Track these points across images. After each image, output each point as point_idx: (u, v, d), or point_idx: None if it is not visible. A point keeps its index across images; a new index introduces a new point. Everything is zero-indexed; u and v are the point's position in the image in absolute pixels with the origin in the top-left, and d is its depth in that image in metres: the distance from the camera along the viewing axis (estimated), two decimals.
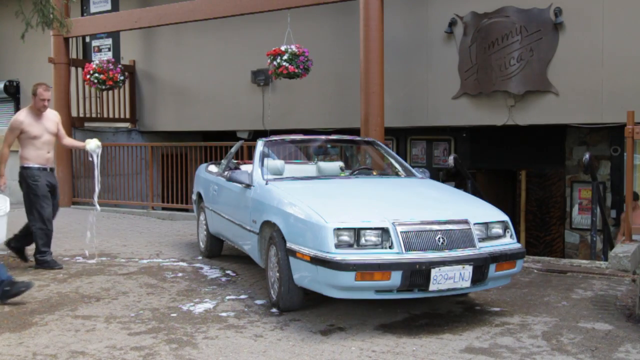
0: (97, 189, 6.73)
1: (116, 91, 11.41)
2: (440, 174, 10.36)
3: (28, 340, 4.15)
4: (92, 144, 6.48)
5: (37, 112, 6.21)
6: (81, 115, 11.49)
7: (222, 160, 6.97)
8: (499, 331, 4.29)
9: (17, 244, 6.53)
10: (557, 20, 7.77)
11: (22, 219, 6.56)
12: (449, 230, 4.33)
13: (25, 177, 6.22)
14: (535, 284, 5.59)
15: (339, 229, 4.21)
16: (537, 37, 7.89)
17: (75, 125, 11.14)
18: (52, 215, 6.34)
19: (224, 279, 5.82)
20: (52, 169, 6.35)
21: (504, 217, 4.69)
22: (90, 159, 6.61)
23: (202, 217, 6.93)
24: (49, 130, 6.26)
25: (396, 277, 4.10)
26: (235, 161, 6.98)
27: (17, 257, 6.58)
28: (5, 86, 13.78)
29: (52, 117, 6.37)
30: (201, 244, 6.95)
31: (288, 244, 4.51)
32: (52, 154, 6.36)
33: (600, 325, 4.41)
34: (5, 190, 6.27)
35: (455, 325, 4.42)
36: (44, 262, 6.25)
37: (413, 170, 5.90)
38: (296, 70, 8.30)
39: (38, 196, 6.20)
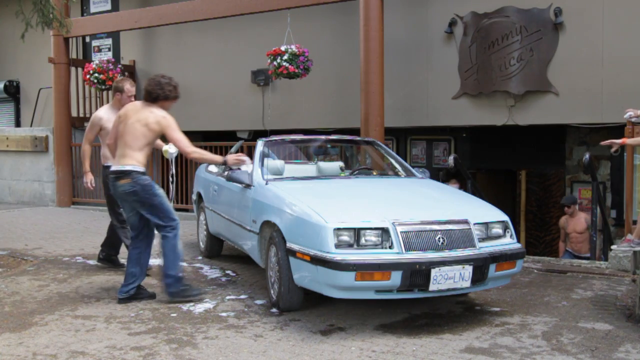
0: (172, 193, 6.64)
1: None
2: (440, 174, 10.35)
3: (28, 340, 4.15)
4: (169, 151, 6.22)
5: (120, 108, 5.89)
6: (81, 115, 11.49)
7: None
8: (499, 331, 4.29)
9: (102, 254, 6.32)
10: (557, 20, 7.77)
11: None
12: (449, 230, 4.33)
13: (105, 176, 5.93)
14: (535, 284, 5.59)
15: (339, 229, 4.21)
16: (537, 37, 7.89)
17: (75, 125, 11.14)
18: None
19: (224, 279, 5.82)
20: None
21: (504, 217, 4.69)
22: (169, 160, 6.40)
23: (202, 217, 6.93)
24: None
25: (396, 277, 4.10)
26: None
27: (112, 266, 6.30)
28: (5, 86, 13.78)
29: None
30: (201, 244, 6.95)
31: (288, 244, 4.51)
32: None
33: (600, 325, 4.41)
34: (94, 188, 6.11)
35: (455, 325, 4.42)
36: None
37: (413, 170, 5.90)
38: (296, 71, 8.29)
39: (112, 195, 5.96)
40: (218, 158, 5.20)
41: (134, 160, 4.93)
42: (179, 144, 5.00)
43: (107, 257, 6.32)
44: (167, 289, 5.03)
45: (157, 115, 4.99)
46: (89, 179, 6.17)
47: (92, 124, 6.03)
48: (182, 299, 5.00)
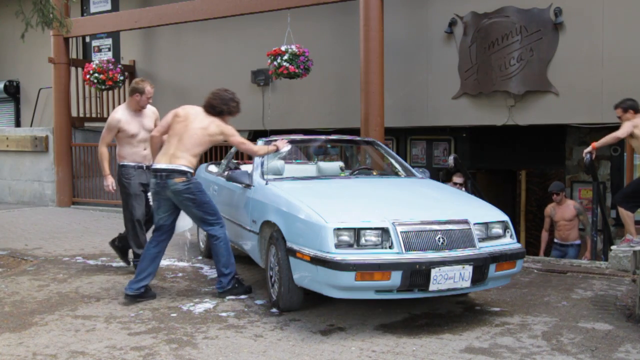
0: None
1: (116, 91, 11.41)
2: (440, 174, 10.35)
3: (28, 340, 4.16)
4: None
5: (137, 109, 5.98)
6: (81, 115, 11.48)
7: (222, 160, 6.96)
8: (499, 331, 4.29)
9: (119, 243, 6.28)
10: (557, 20, 7.77)
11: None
12: (449, 230, 4.33)
13: (120, 175, 5.98)
14: (535, 284, 5.59)
15: (339, 229, 4.21)
16: (537, 37, 7.88)
17: (75, 125, 11.14)
18: (144, 215, 6.06)
19: None
20: (148, 167, 6.00)
21: (504, 217, 4.69)
22: None
23: None
24: (145, 128, 6.00)
25: (396, 277, 4.10)
26: (235, 161, 6.98)
27: (119, 257, 6.33)
28: (5, 86, 13.78)
29: (150, 114, 6.11)
30: (201, 244, 6.95)
31: (288, 244, 4.51)
32: (149, 151, 5.97)
33: (600, 325, 4.41)
34: (114, 190, 6.11)
35: (455, 325, 4.42)
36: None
37: (413, 170, 5.90)
38: (296, 71, 8.29)
39: (130, 195, 5.94)
40: (273, 148, 5.47)
41: (188, 162, 5.07)
42: (244, 146, 5.30)
43: (123, 248, 6.26)
44: (221, 285, 5.14)
45: (219, 126, 5.19)
46: (110, 182, 6.09)
47: (110, 126, 5.97)
48: (233, 295, 5.15)
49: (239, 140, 5.25)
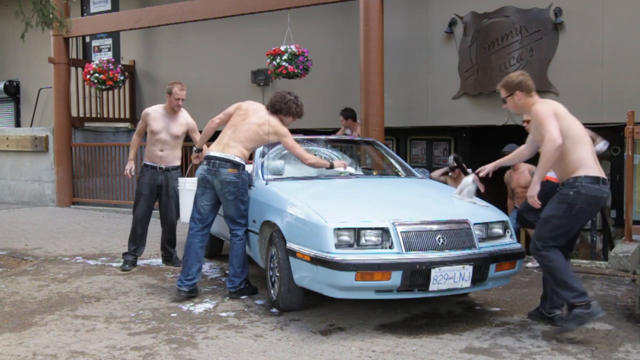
0: None
1: (116, 91, 11.41)
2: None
3: (28, 340, 4.16)
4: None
5: (170, 111, 6.13)
6: (81, 115, 11.49)
7: None
8: (499, 331, 4.29)
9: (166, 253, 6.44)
10: (557, 20, 7.77)
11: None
12: (449, 230, 4.33)
13: (142, 172, 6.23)
14: (535, 284, 5.58)
15: (339, 229, 4.21)
16: (537, 37, 7.89)
17: (75, 125, 11.14)
18: (146, 216, 6.20)
19: (224, 279, 5.82)
20: (161, 168, 6.17)
21: (504, 217, 4.70)
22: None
23: None
24: (170, 131, 6.12)
25: (396, 277, 4.10)
26: None
27: (171, 265, 6.40)
28: (5, 86, 13.78)
29: (183, 122, 6.20)
30: None
31: (288, 244, 4.51)
32: (169, 154, 6.18)
33: (600, 325, 4.41)
34: (131, 176, 6.27)
35: (455, 325, 4.42)
36: (123, 261, 6.25)
37: (413, 170, 5.91)
38: (296, 70, 8.30)
39: (138, 193, 6.19)
40: (326, 163, 5.50)
41: (240, 154, 5.13)
42: (295, 150, 5.25)
43: (166, 256, 6.44)
44: (233, 285, 5.15)
45: (274, 126, 5.20)
46: (130, 166, 6.27)
47: (141, 117, 6.25)
48: (243, 295, 5.18)
49: (291, 143, 5.24)
